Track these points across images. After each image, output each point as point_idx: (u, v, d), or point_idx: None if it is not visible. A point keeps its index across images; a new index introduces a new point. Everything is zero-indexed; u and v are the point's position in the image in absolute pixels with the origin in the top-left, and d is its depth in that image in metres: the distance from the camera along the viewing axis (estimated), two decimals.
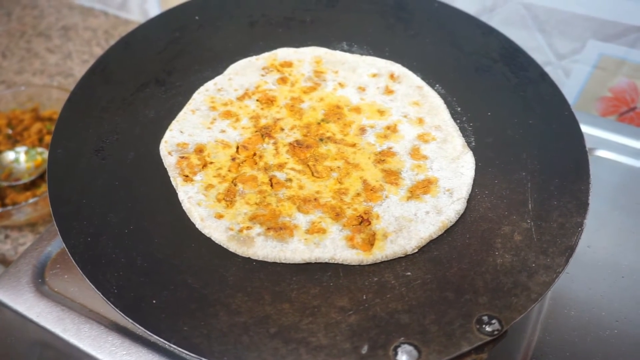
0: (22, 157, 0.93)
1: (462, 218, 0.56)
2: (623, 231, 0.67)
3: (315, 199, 0.57)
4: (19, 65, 1.21)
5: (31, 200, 0.85)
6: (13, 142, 0.95)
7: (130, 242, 0.52)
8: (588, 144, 0.61)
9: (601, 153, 0.75)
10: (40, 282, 0.61)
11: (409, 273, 0.51)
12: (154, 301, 0.48)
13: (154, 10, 1.25)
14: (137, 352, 0.55)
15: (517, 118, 0.65)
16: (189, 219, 0.55)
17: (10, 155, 0.93)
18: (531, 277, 0.50)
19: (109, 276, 0.49)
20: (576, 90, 0.91)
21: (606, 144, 0.75)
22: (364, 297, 0.49)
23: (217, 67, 0.71)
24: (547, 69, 0.87)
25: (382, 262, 0.52)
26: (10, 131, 0.96)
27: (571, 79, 0.90)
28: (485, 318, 0.47)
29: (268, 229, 0.54)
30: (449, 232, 0.55)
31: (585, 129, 0.62)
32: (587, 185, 0.57)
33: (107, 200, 0.56)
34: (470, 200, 0.57)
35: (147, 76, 0.68)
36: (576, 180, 0.57)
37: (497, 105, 0.67)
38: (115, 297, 0.48)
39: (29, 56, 1.23)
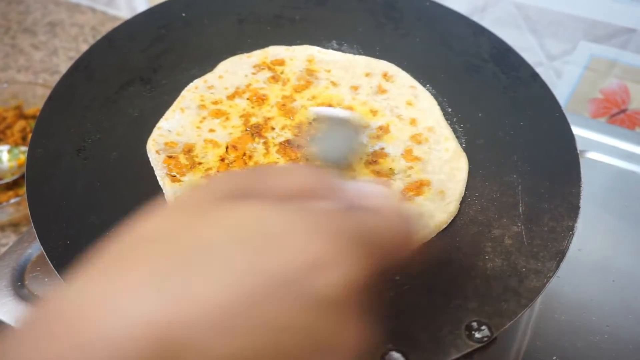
0: (5, 156, 0.90)
1: (453, 221, 0.55)
2: (614, 234, 0.66)
3: None
4: (4, 61, 1.18)
5: (13, 200, 0.83)
6: None
7: None
8: (579, 146, 0.60)
9: (592, 155, 0.74)
10: (19, 286, 0.59)
11: (397, 278, 0.50)
12: None
13: (141, 7, 1.23)
14: None
15: (508, 119, 0.64)
16: None
17: None
18: (521, 282, 0.49)
19: None
20: (567, 91, 0.90)
21: (597, 146, 0.75)
22: None
23: (204, 65, 0.69)
24: (539, 70, 0.86)
25: None
26: None
27: (562, 80, 0.89)
28: (474, 324, 0.46)
29: None
30: (439, 236, 0.54)
31: (576, 130, 0.61)
32: (578, 188, 0.56)
33: (88, 202, 0.54)
34: (460, 203, 0.56)
35: (132, 74, 0.67)
36: (567, 183, 0.57)
37: (488, 106, 0.66)
38: None
39: (14, 52, 1.20)
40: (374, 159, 0.60)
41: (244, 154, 0.60)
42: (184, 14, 0.74)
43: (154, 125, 0.62)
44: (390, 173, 0.59)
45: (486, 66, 0.70)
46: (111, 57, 0.68)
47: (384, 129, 0.63)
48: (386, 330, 0.46)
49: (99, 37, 0.72)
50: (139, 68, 0.67)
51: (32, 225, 0.51)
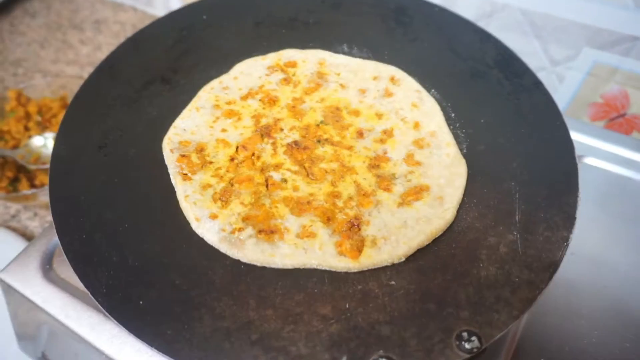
0: (50, 143, 0.87)
1: (450, 227, 0.49)
2: (608, 240, 0.59)
3: (308, 202, 0.51)
4: (55, 55, 1.14)
5: None
6: (42, 128, 0.90)
7: (124, 240, 0.47)
8: (577, 152, 0.53)
9: (589, 160, 0.66)
10: (47, 269, 0.56)
11: (393, 282, 0.45)
12: (141, 302, 0.42)
13: (176, 7, 1.17)
14: (133, 341, 0.50)
15: (510, 126, 0.57)
16: (182, 218, 0.49)
17: (39, 141, 0.88)
18: (514, 293, 0.43)
19: (100, 275, 0.44)
20: (568, 95, 0.82)
21: (595, 151, 0.67)
22: (347, 306, 0.43)
23: (221, 66, 0.64)
24: (542, 74, 0.78)
25: (367, 270, 0.46)
26: (39, 118, 0.90)
27: (564, 84, 0.81)
28: (465, 334, 0.41)
29: (260, 231, 0.48)
30: (435, 241, 0.48)
31: (574, 136, 0.54)
32: (575, 198, 0.49)
33: (106, 197, 0.50)
34: (458, 209, 0.50)
35: (153, 74, 0.61)
36: (565, 192, 0.50)
37: (490, 112, 0.59)
38: (103, 297, 0.42)
39: (64, 47, 1.16)
40: (376, 163, 0.54)
41: (253, 154, 0.55)
42: (204, 17, 0.68)
43: (171, 124, 0.57)
44: (392, 178, 0.53)
45: (491, 72, 0.62)
46: (135, 58, 0.63)
47: (388, 133, 0.57)
48: (378, 335, 0.41)
49: None
50: (160, 68, 0.62)
51: (52, 219, 0.47)
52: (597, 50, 0.75)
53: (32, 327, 0.56)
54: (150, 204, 0.50)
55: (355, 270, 0.46)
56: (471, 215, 0.50)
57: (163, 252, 0.46)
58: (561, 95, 0.81)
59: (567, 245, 0.46)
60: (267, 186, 0.52)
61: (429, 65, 0.64)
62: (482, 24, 0.68)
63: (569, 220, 0.48)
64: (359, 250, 0.46)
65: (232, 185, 0.52)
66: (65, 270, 0.56)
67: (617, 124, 0.81)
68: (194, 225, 0.49)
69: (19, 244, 0.79)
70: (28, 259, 0.57)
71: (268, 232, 0.48)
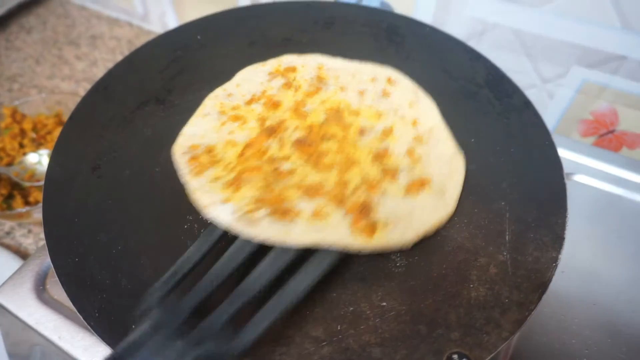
0: (45, 160, 0.88)
1: (441, 247, 0.50)
2: (597, 258, 0.60)
3: (318, 188, 0.51)
4: (51, 71, 1.15)
5: None
6: (37, 145, 0.90)
7: (117, 263, 0.47)
8: (566, 169, 0.54)
9: (579, 178, 0.67)
10: (41, 290, 0.56)
11: (384, 303, 0.46)
12: (134, 326, 0.43)
13: (172, 23, 1.18)
14: None
15: (500, 145, 0.58)
16: (176, 240, 0.50)
17: (34, 158, 0.88)
18: (504, 314, 0.44)
19: (93, 299, 0.44)
20: (559, 112, 0.83)
21: (584, 169, 0.68)
22: (339, 328, 0.44)
23: (214, 86, 0.64)
24: (532, 91, 0.79)
25: (358, 291, 0.47)
26: (34, 135, 0.91)
27: (554, 101, 0.82)
28: (455, 357, 0.41)
29: (274, 211, 0.48)
30: (427, 261, 0.49)
31: (564, 153, 0.55)
32: (563, 218, 0.50)
33: (99, 219, 0.50)
34: (449, 229, 0.51)
35: (148, 94, 0.62)
36: (554, 213, 0.51)
37: (480, 132, 0.60)
38: (96, 322, 0.43)
39: (60, 63, 1.17)
40: (380, 157, 0.55)
41: (260, 149, 0.55)
42: (199, 37, 0.69)
43: (165, 144, 0.57)
44: (396, 169, 0.54)
45: (481, 92, 0.64)
46: (130, 78, 0.64)
47: (388, 131, 0.58)
48: (369, 356, 0.42)
49: (133, 49, 0.67)
50: (155, 88, 0.63)
51: (46, 242, 0.48)
52: (586, 68, 0.76)
53: (25, 349, 0.56)
54: (144, 226, 0.51)
55: (370, 249, 0.46)
56: (462, 235, 0.51)
57: (156, 275, 0.46)
58: (552, 111, 0.83)
59: (556, 265, 0.47)
60: (276, 175, 0.52)
61: (421, 84, 0.65)
62: (473, 42, 0.70)
63: (558, 241, 0.49)
64: (373, 231, 0.47)
65: (242, 173, 0.52)
66: (59, 291, 0.56)
67: (607, 140, 0.82)
68: (206, 211, 0.48)
69: (13, 262, 0.79)
70: (21, 279, 0.57)
71: (282, 212, 0.48)
